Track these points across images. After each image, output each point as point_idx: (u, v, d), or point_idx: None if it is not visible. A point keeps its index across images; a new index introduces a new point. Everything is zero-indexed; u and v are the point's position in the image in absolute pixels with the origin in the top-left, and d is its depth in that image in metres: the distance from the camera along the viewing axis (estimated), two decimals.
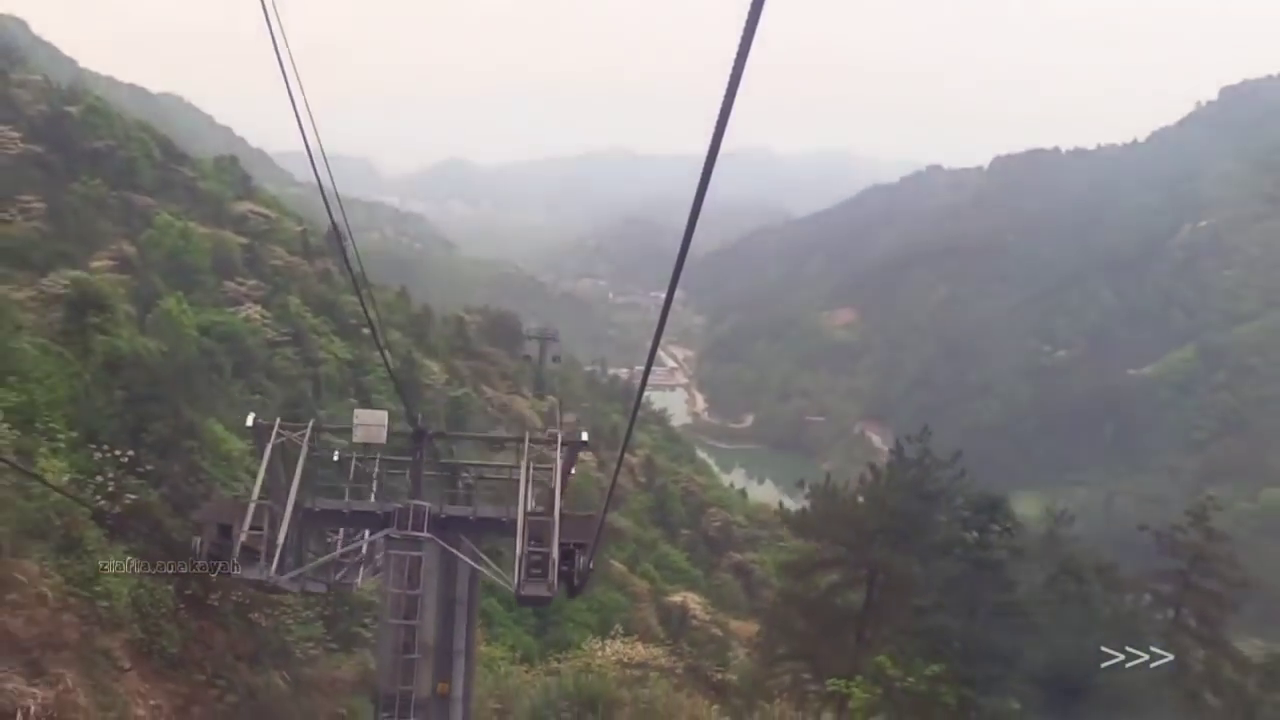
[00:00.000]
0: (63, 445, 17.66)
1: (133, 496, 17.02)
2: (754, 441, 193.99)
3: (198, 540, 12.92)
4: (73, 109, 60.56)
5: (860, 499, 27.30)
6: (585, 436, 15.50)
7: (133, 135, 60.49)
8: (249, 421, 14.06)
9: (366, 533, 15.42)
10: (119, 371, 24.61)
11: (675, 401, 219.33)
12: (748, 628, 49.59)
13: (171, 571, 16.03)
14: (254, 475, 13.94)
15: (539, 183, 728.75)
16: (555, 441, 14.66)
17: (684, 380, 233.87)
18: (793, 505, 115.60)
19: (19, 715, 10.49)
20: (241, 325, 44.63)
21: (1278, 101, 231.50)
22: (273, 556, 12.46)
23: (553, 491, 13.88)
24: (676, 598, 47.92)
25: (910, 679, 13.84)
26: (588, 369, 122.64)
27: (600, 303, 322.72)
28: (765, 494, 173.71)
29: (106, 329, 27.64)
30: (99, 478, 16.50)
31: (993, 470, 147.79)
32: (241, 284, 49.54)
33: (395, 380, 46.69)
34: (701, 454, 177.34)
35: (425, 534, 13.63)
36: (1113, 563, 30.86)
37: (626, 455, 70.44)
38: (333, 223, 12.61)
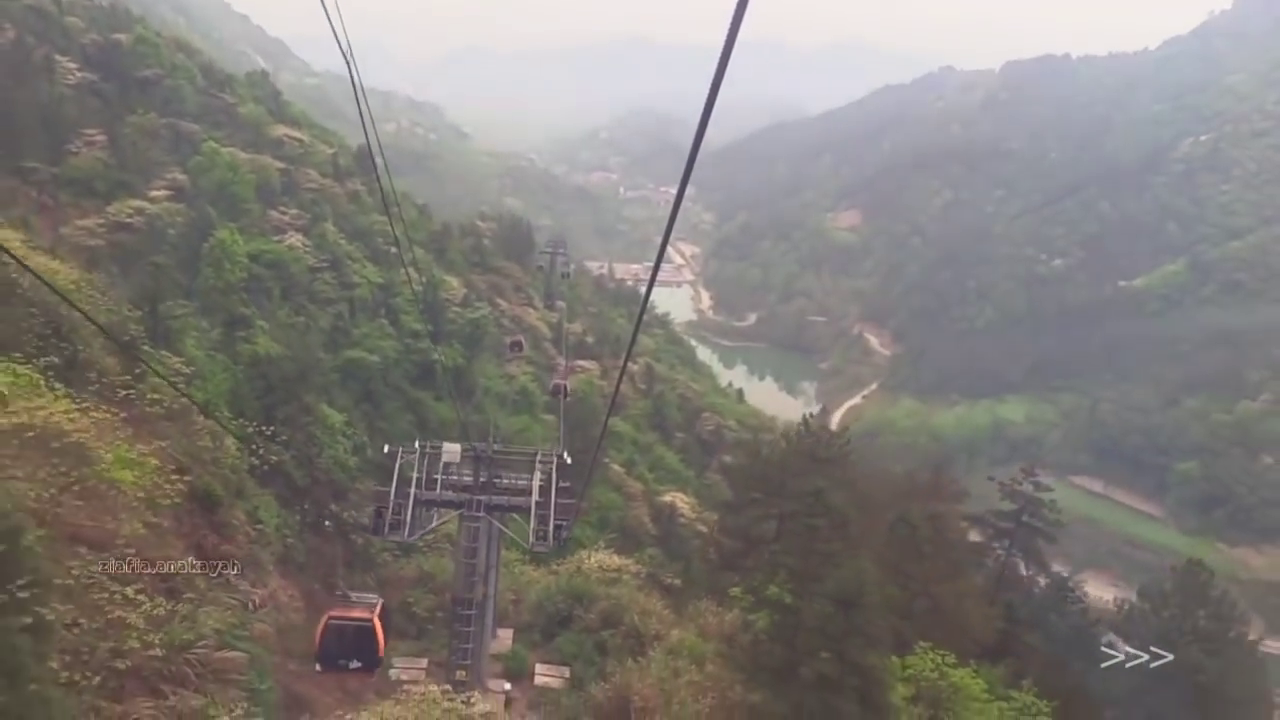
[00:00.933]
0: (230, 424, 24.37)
1: (273, 458, 23.91)
2: (757, 340, 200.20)
3: (371, 511, 22.55)
4: (122, 37, 65.31)
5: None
6: (566, 457, 23.39)
7: (178, 63, 65.33)
8: (385, 450, 22.38)
9: (440, 513, 23.67)
10: (259, 368, 31.53)
11: (681, 298, 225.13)
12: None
13: (300, 511, 23.48)
14: (350, 440, 21.59)
15: (556, 71, 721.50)
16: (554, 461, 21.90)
17: (690, 277, 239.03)
18: (793, 403, 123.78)
19: (250, 605, 17.07)
20: (286, 253, 50.40)
21: None
22: (403, 526, 21.58)
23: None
24: (667, 498, 54.67)
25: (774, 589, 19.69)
26: (596, 272, 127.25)
27: (611, 197, 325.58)
28: (765, 390, 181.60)
29: (250, 339, 34.98)
30: (252, 446, 23.12)
31: (983, 375, 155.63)
32: (284, 213, 55.02)
33: (419, 302, 52.94)
34: (703, 354, 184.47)
35: (482, 514, 22.13)
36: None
37: (621, 362, 76.91)
38: (373, 161, 18.25)
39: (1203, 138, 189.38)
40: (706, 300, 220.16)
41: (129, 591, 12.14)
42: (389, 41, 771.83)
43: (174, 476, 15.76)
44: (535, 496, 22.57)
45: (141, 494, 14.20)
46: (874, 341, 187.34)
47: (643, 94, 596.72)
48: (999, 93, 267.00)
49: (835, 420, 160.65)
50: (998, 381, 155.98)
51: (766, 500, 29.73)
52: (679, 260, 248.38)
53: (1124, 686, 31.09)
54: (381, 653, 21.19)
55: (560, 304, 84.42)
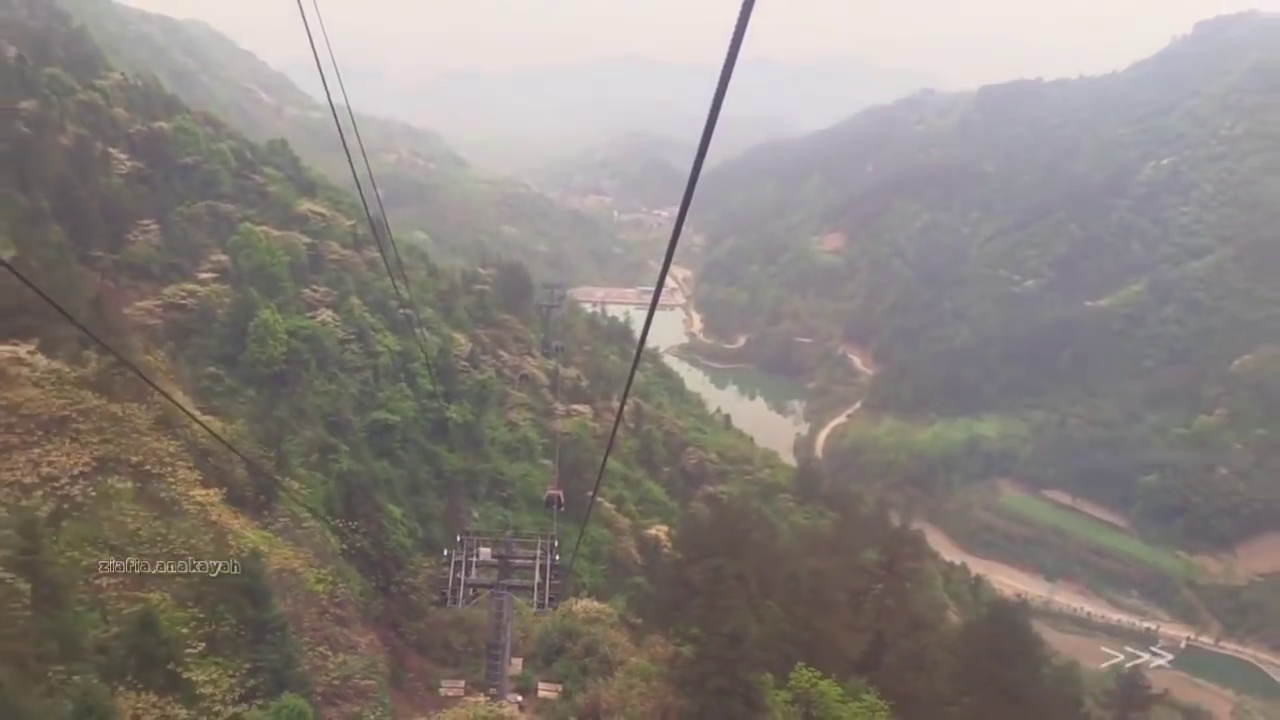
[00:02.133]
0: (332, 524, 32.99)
1: (356, 543, 32.54)
2: (746, 361, 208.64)
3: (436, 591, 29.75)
4: (164, 125, 73.57)
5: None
6: (556, 546, 31.18)
7: (214, 149, 73.51)
8: (444, 553, 30.46)
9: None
10: (343, 480, 40.17)
11: (674, 321, 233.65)
12: None
13: (374, 579, 32.07)
14: (412, 535, 29.95)
15: (551, 91, 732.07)
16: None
17: (682, 300, 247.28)
18: (783, 421, 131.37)
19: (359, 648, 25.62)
20: (319, 329, 58.39)
21: (1246, 38, 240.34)
22: (459, 598, 28.55)
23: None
24: (652, 531, 62.70)
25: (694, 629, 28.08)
26: (591, 307, 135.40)
27: (605, 220, 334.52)
28: (755, 409, 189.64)
29: (337, 459, 44.00)
30: (342, 536, 31.66)
31: (959, 393, 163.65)
32: (315, 290, 63.07)
33: (431, 369, 61.28)
34: (695, 376, 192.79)
35: (506, 591, 29.41)
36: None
37: (613, 402, 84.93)
38: (377, 237, 26.98)
39: (1164, 161, 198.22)
40: (698, 323, 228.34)
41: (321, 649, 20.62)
42: (386, 62, 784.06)
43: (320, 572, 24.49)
44: (537, 578, 29.84)
45: (324, 597, 22.78)
46: (857, 362, 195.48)
47: (637, 111, 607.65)
48: (974, 115, 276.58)
49: (821, 439, 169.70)
50: (973, 399, 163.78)
51: (697, 562, 37.98)
52: (671, 284, 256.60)
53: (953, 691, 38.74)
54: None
55: (556, 363, 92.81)
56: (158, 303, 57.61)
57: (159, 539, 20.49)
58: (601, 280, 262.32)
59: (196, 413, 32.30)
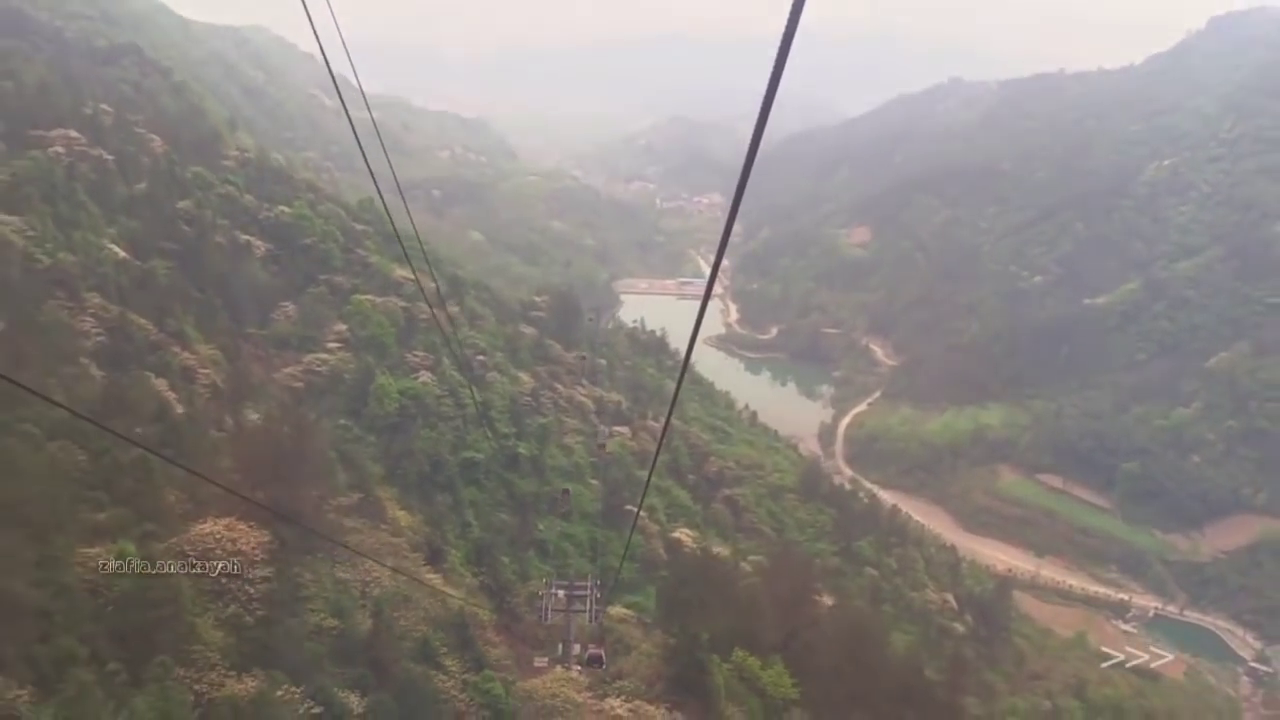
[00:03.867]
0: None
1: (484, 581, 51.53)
2: (778, 351, 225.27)
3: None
4: (286, 209, 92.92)
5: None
6: (599, 584, 48.53)
7: (326, 230, 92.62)
8: (539, 594, 48.31)
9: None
10: (475, 540, 59.06)
11: (711, 311, 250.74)
12: (720, 550, 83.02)
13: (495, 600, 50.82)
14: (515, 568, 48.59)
15: (598, 69, 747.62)
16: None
17: (720, 290, 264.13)
18: (811, 405, 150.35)
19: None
20: (421, 388, 77.20)
21: (1258, 35, 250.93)
22: (546, 615, 46.57)
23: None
24: (676, 534, 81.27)
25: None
26: (630, 325, 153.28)
27: (648, 208, 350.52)
28: (787, 395, 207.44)
29: (471, 524, 62.89)
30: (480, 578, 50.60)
31: (968, 384, 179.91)
32: (415, 355, 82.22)
33: (485, 418, 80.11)
34: (730, 365, 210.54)
35: (570, 610, 47.43)
36: None
37: (650, 421, 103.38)
38: (433, 312, 45.33)
39: (1165, 162, 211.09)
40: (734, 313, 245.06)
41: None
42: (438, 38, 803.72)
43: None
44: (590, 604, 46.87)
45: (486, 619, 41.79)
46: (879, 352, 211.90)
47: (683, 90, 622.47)
48: (997, 109, 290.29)
49: (842, 426, 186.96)
50: (981, 390, 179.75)
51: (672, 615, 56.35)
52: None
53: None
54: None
55: (586, 365, 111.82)
56: (299, 369, 77.10)
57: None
58: (644, 271, 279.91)
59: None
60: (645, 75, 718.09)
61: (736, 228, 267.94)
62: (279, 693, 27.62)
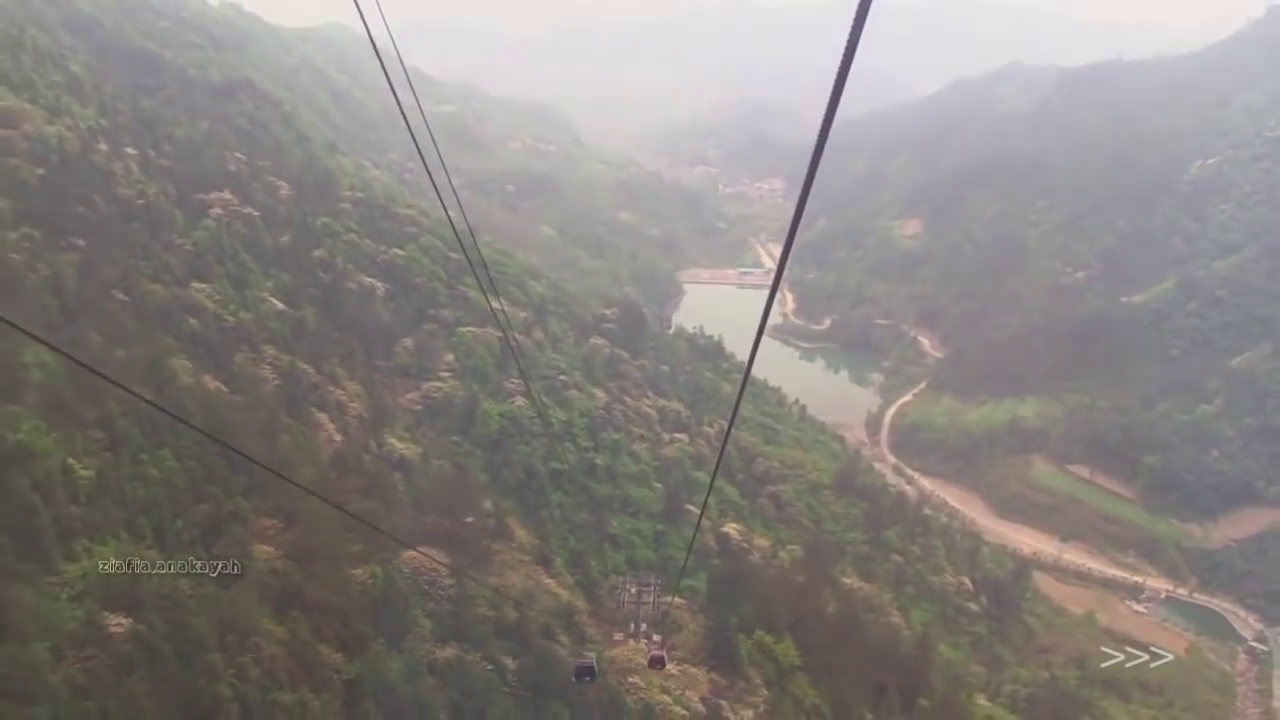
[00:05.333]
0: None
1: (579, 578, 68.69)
2: (831, 340, 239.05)
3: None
4: (400, 252, 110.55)
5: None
6: (660, 583, 65.14)
7: (434, 272, 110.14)
8: (614, 589, 65.33)
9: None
10: (574, 551, 76.20)
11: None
12: (763, 541, 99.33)
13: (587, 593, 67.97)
14: (599, 567, 65.75)
15: (657, 44, 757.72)
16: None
17: None
18: (861, 393, 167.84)
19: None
20: (516, 410, 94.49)
21: None
22: (622, 603, 63.66)
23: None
24: (725, 528, 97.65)
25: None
26: (690, 330, 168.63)
27: (710, 194, 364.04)
28: (839, 383, 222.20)
29: (564, 537, 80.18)
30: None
31: (1008, 376, 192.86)
32: (512, 381, 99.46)
33: (588, 431, 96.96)
34: (786, 354, 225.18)
35: (638, 602, 64.54)
36: None
37: (706, 427, 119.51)
38: (515, 357, 62.07)
39: (1210, 160, 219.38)
40: (790, 303, 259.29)
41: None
42: (499, 17, 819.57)
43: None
44: (652, 594, 62.87)
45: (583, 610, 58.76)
46: (926, 344, 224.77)
47: (744, 65, 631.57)
48: (1053, 98, 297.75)
49: (888, 416, 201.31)
50: (1019, 382, 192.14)
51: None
52: (769, 264, 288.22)
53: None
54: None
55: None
56: (419, 395, 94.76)
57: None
58: (707, 260, 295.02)
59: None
60: (708, 47, 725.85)
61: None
62: (467, 656, 45.01)
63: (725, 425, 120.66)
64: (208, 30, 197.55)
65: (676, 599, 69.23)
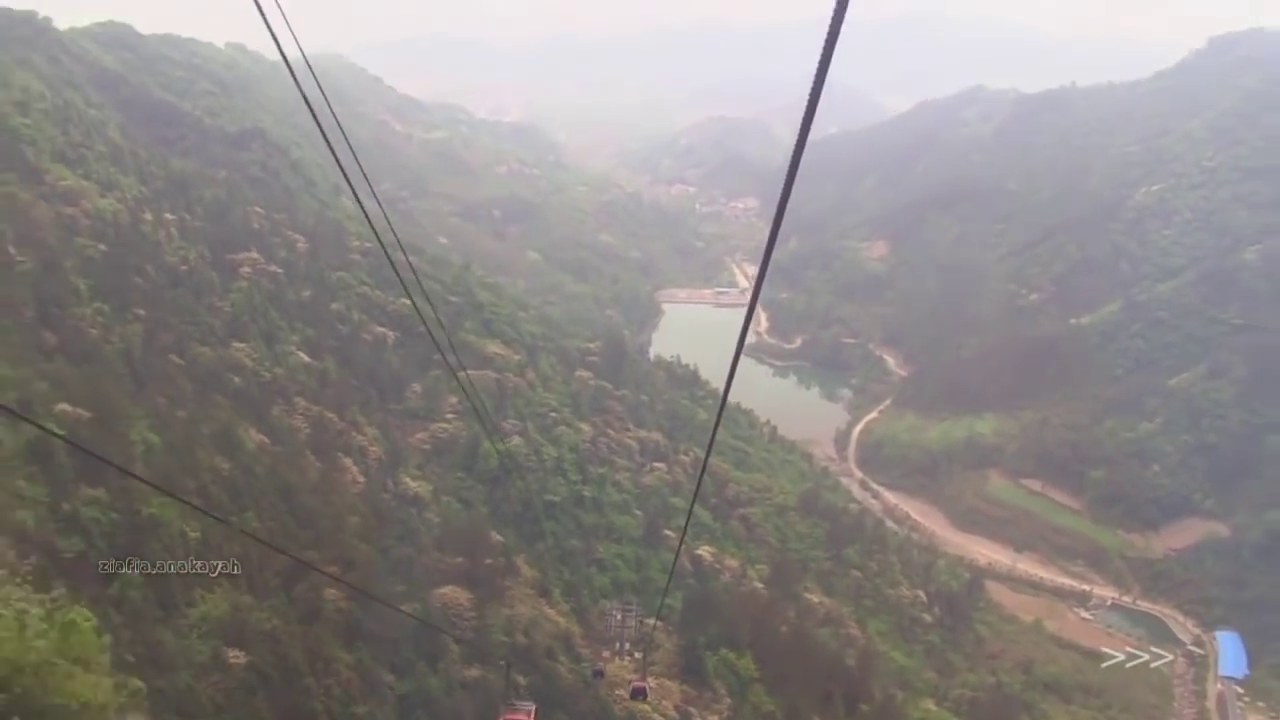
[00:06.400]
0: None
1: (573, 606, 79.76)
2: (802, 359, 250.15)
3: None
4: (406, 302, 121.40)
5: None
6: (642, 611, 76.12)
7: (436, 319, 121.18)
8: (604, 614, 76.18)
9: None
10: (569, 583, 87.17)
11: (742, 320, 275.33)
12: (733, 562, 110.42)
13: (579, 618, 78.90)
14: (589, 594, 76.77)
15: (642, 56, 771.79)
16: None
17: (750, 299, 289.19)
18: (832, 409, 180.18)
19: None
20: (514, 448, 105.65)
21: (1251, 57, 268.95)
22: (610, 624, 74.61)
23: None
24: (699, 550, 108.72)
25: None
26: (669, 359, 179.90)
27: (688, 213, 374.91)
28: (811, 399, 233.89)
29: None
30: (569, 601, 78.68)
31: (967, 395, 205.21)
32: (511, 424, 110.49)
33: (577, 466, 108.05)
34: (759, 372, 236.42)
35: (626, 625, 75.65)
36: None
37: (681, 455, 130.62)
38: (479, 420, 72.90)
39: (1154, 187, 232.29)
40: (764, 322, 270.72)
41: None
42: (484, 29, 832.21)
43: None
44: (634, 618, 73.38)
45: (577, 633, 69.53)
46: (891, 363, 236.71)
47: (722, 80, 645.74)
48: (1010, 124, 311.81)
49: (855, 432, 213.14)
50: (977, 401, 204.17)
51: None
52: (744, 284, 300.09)
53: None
54: None
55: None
56: (427, 436, 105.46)
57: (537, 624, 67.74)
58: (684, 279, 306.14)
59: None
60: (689, 61, 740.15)
61: (768, 234, 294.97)
62: (489, 675, 56.01)
63: (700, 453, 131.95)
64: (218, 76, 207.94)
65: (657, 621, 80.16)
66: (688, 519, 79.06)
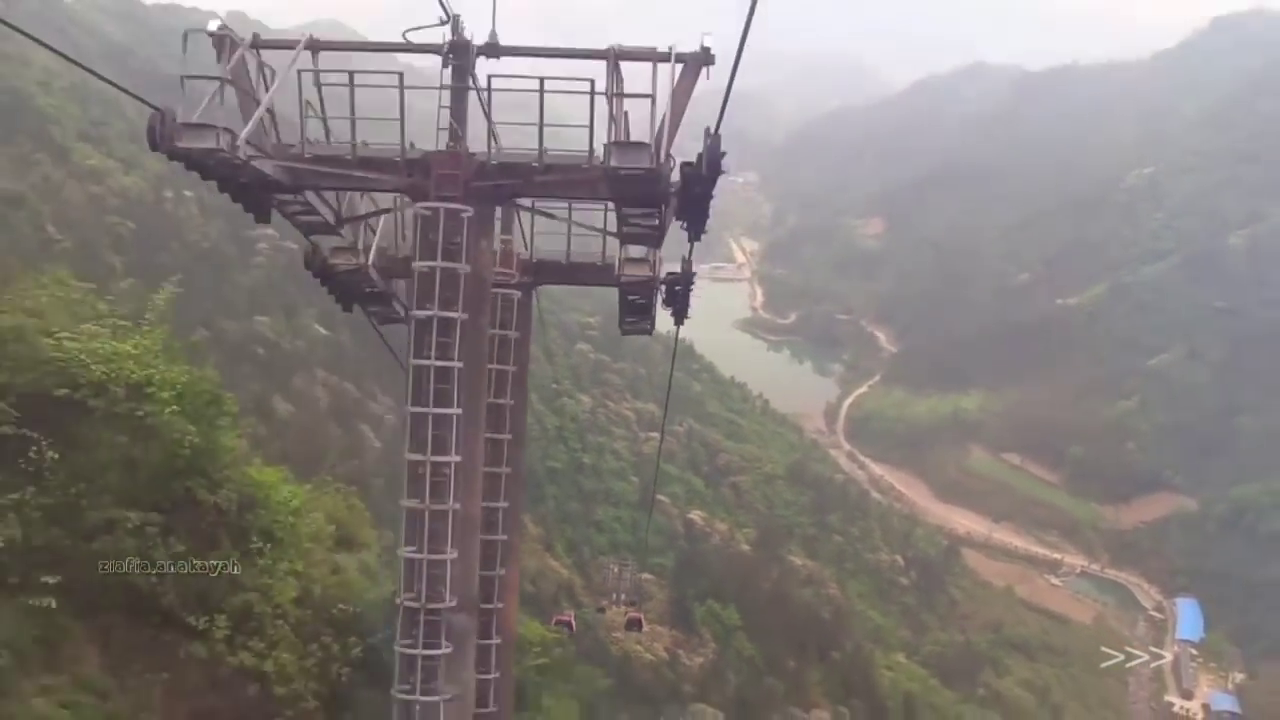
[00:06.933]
0: None
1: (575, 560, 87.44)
2: (796, 334, 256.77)
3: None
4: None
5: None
6: (635, 564, 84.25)
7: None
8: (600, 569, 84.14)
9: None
10: (571, 541, 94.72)
11: (741, 294, 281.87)
12: (723, 526, 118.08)
13: (580, 570, 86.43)
14: (589, 550, 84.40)
15: (641, 19, 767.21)
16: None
17: (748, 274, 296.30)
18: (823, 383, 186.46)
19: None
20: None
21: (1253, 38, 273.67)
22: (606, 578, 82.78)
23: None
24: (691, 514, 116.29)
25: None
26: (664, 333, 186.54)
27: None
28: (803, 373, 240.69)
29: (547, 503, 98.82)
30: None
31: (955, 372, 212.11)
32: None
33: (575, 433, 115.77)
34: (754, 345, 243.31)
35: (622, 576, 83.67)
36: None
37: (677, 426, 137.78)
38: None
39: (1147, 170, 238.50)
40: (760, 297, 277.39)
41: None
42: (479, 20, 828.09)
43: None
44: (629, 576, 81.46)
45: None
46: (882, 339, 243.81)
47: (718, 53, 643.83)
48: (1010, 102, 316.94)
49: (845, 406, 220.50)
50: (963, 378, 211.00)
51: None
52: (740, 259, 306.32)
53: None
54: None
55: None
56: None
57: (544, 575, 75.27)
58: (682, 252, 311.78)
59: None
60: (691, 31, 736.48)
61: (766, 208, 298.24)
62: None
63: (694, 424, 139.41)
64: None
65: (646, 575, 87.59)
66: (655, 474, 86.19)
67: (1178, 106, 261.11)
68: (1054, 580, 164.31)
